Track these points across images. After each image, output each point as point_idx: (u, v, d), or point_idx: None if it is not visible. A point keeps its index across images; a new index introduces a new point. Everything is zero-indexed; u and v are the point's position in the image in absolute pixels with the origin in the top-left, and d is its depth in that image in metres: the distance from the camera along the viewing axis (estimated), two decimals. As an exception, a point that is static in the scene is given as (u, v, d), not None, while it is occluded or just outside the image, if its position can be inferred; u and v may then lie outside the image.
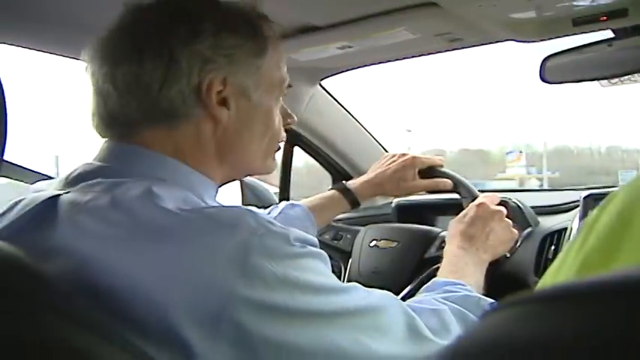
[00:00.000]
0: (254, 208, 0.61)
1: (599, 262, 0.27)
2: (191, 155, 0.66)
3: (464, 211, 1.02)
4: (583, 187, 1.47)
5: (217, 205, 0.61)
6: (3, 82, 0.53)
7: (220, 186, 0.73)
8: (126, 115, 0.65)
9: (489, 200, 1.02)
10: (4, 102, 0.52)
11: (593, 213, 0.33)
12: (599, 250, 0.27)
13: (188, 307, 0.51)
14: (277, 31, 0.73)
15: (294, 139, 1.60)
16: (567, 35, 1.03)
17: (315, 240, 0.62)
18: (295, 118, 0.82)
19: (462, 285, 0.82)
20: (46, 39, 1.10)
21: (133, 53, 0.63)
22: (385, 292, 0.66)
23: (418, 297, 0.80)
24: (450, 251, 0.95)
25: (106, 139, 0.68)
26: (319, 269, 0.59)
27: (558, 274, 0.31)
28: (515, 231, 1.02)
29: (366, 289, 0.64)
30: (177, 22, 0.65)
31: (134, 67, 0.63)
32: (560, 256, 0.33)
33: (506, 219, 1.01)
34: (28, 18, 0.99)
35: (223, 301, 0.51)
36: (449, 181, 1.12)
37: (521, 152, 13.83)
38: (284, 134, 0.78)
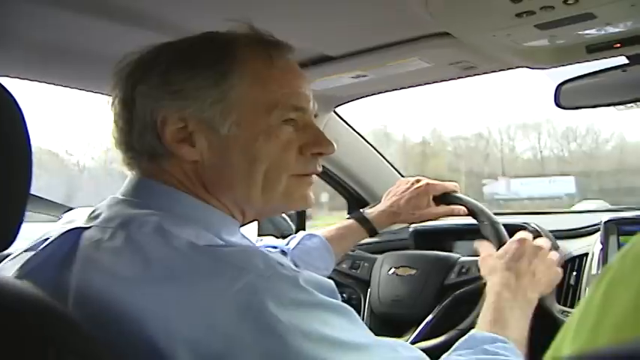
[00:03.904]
0: (268, 249, 0.60)
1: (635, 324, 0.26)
2: (196, 189, 0.67)
3: (503, 248, 0.94)
4: (603, 209, 1.45)
5: (229, 244, 0.60)
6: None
7: (245, 224, 0.71)
8: (126, 154, 0.69)
9: (529, 236, 0.95)
10: (29, 141, 0.53)
11: (611, 263, 0.32)
12: (636, 314, 0.27)
13: (191, 348, 0.51)
14: (262, 50, 0.67)
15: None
16: (581, 62, 1.03)
17: (330, 283, 0.60)
18: (333, 146, 0.72)
19: (503, 342, 0.74)
20: (65, 73, 1.13)
21: (114, 99, 0.68)
22: (417, 354, 0.61)
23: (454, 356, 0.73)
24: (494, 292, 0.85)
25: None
26: (330, 321, 0.55)
27: (579, 332, 0.31)
28: (560, 269, 0.94)
29: (394, 345, 0.59)
30: (136, 66, 0.67)
31: (116, 111, 0.68)
32: (578, 311, 0.32)
33: (551, 257, 0.93)
34: (47, 53, 1.01)
35: (226, 344, 0.51)
36: (464, 206, 1.12)
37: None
38: (312, 164, 0.70)
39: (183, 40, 0.69)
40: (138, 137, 0.66)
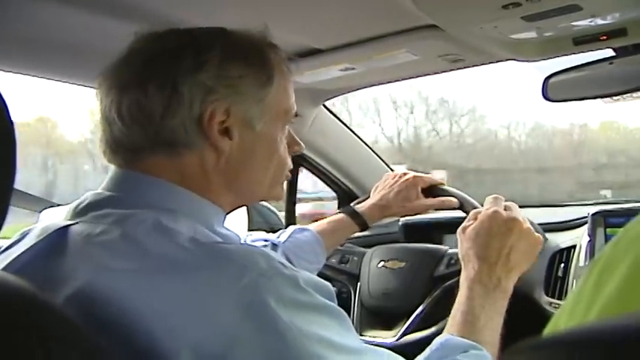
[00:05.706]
0: (268, 250, 0.60)
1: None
2: (197, 183, 0.66)
3: (474, 226, 0.89)
4: (591, 202, 1.47)
5: (227, 240, 0.60)
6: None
7: (228, 213, 0.72)
8: (130, 142, 0.65)
9: (496, 205, 0.90)
10: (13, 133, 0.52)
11: (604, 250, 0.33)
12: (620, 299, 0.27)
13: (192, 344, 0.51)
14: (285, 60, 0.72)
15: (299, 160, 1.61)
16: (568, 54, 1.03)
17: (328, 286, 0.61)
18: (303, 146, 0.80)
19: (477, 350, 0.74)
20: (55, 67, 1.12)
21: (139, 81, 0.63)
22: None
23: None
24: (466, 288, 0.84)
25: (113, 165, 0.68)
26: (327, 324, 0.57)
27: (572, 315, 0.31)
28: (539, 235, 0.89)
29: (382, 353, 0.61)
30: (184, 50, 0.64)
31: (138, 95, 0.63)
32: (572, 295, 0.33)
33: (525, 226, 0.88)
34: (37, 46, 1.00)
35: (227, 342, 0.51)
36: (454, 199, 1.12)
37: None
38: (290, 162, 0.77)
39: (230, 33, 0.69)
40: (174, 125, 0.63)
